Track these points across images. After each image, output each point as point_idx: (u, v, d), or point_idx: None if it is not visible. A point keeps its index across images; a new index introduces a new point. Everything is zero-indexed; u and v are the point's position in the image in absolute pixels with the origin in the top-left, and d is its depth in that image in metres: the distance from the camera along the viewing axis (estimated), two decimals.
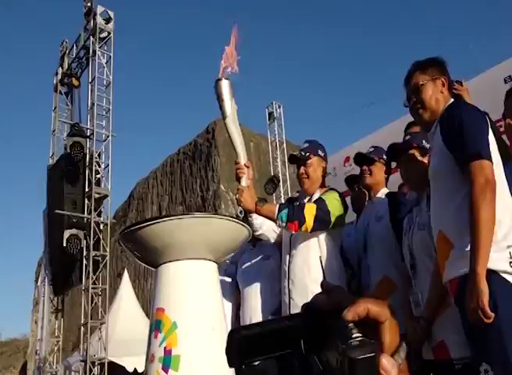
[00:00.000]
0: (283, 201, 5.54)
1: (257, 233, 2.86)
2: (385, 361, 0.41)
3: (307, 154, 2.80)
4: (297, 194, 3.80)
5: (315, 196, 2.77)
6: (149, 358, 2.24)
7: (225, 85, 2.22)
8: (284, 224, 2.52)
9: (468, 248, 1.73)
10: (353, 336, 0.41)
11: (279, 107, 12.54)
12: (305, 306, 0.47)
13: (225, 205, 14.40)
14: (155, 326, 2.26)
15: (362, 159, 2.84)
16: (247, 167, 2.40)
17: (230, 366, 0.46)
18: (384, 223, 2.64)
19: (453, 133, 1.88)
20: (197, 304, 2.27)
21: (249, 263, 3.08)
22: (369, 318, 0.43)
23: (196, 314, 2.24)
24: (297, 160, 2.84)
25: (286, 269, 2.70)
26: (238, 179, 2.41)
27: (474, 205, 1.73)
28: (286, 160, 12.40)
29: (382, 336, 0.43)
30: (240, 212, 2.53)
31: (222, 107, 2.25)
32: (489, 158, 1.79)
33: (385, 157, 2.82)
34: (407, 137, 2.47)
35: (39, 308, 11.72)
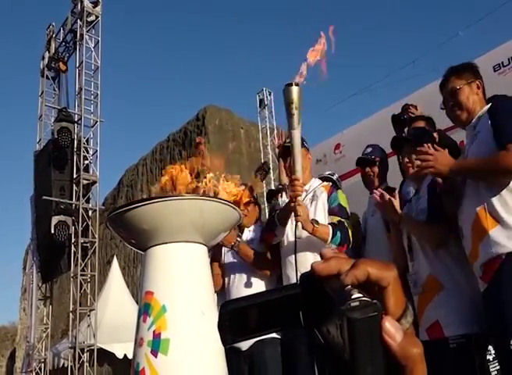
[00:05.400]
0: (272, 189, 5.52)
1: (274, 242, 2.87)
2: (389, 324, 0.37)
3: None
4: (280, 186, 3.77)
5: (319, 191, 2.78)
6: (138, 342, 2.21)
7: (299, 93, 2.02)
8: (335, 247, 2.58)
9: None
10: (353, 297, 0.37)
11: (270, 94, 12.46)
12: (303, 275, 0.43)
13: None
14: (144, 310, 2.22)
15: (364, 162, 3.01)
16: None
17: (224, 344, 0.41)
18: (377, 217, 2.77)
19: (500, 118, 1.99)
20: (187, 287, 2.23)
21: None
22: (370, 282, 0.39)
23: (185, 297, 2.20)
24: (288, 151, 2.74)
25: (293, 259, 2.65)
26: (295, 196, 2.33)
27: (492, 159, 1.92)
28: (277, 147, 12.36)
29: (386, 300, 0.39)
30: (299, 237, 2.45)
31: (292, 116, 2.06)
32: None
33: (381, 155, 3.05)
34: (412, 132, 2.56)
35: (27, 296, 11.64)
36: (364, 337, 0.36)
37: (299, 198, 2.36)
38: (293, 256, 2.66)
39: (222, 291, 3.10)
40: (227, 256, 3.12)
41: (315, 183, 2.85)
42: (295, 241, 2.68)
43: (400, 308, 0.40)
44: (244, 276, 2.97)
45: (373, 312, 0.36)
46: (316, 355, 2.64)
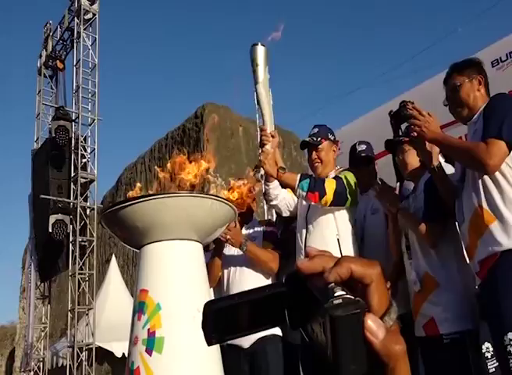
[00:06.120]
0: None
1: (271, 203, 2.92)
2: (371, 322, 0.37)
3: (319, 139, 2.83)
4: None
5: (330, 177, 2.78)
6: (132, 341, 2.19)
7: (261, 51, 2.25)
8: (304, 193, 2.56)
9: None
10: (336, 295, 0.37)
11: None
12: (287, 274, 0.42)
13: (215, 191, 14.29)
14: (139, 308, 2.20)
15: (361, 160, 2.97)
16: (273, 137, 2.50)
17: (208, 343, 0.40)
18: (379, 215, 2.73)
19: (490, 114, 1.99)
20: (182, 285, 2.21)
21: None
22: (354, 279, 0.39)
23: (180, 295, 2.19)
24: (309, 145, 2.86)
25: (302, 245, 2.69)
26: (262, 144, 2.50)
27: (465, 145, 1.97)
28: None
29: (369, 298, 0.39)
30: (261, 176, 2.58)
31: (255, 72, 2.29)
32: (508, 143, 1.88)
33: (372, 151, 3.04)
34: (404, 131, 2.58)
35: (26, 295, 11.62)
36: (347, 335, 0.36)
37: (266, 146, 2.49)
38: (304, 245, 2.68)
39: (218, 287, 3.08)
40: (226, 250, 3.09)
41: (333, 173, 2.86)
42: (306, 229, 2.69)
43: (384, 306, 0.39)
44: (246, 270, 2.95)
45: (356, 310, 0.36)
46: (300, 352, 2.63)
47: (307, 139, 2.86)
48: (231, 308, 0.40)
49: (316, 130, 2.89)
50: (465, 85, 2.15)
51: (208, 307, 0.41)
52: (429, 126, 2.01)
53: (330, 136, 2.89)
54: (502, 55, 5.22)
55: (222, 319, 0.40)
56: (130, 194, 2.44)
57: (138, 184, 2.46)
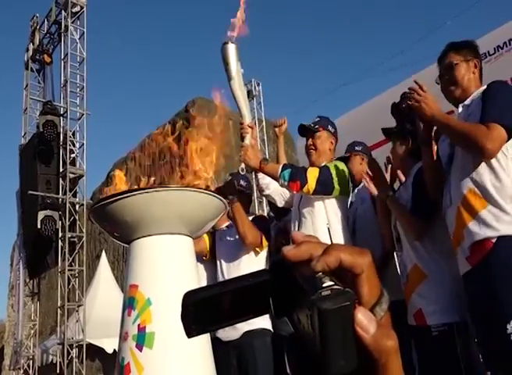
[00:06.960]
0: None
1: (263, 193, 2.96)
2: (361, 315, 0.34)
3: (317, 126, 2.85)
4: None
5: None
6: (122, 336, 2.16)
7: (231, 49, 2.35)
8: (286, 183, 2.55)
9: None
10: (324, 285, 0.34)
11: (258, 85, 12.34)
12: (273, 261, 0.40)
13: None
14: (128, 304, 2.18)
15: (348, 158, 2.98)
16: (251, 128, 2.54)
17: (188, 335, 0.38)
18: (367, 205, 2.76)
19: (490, 98, 1.96)
20: (172, 279, 2.19)
21: (230, 238, 3.04)
22: (343, 269, 0.36)
23: (170, 290, 2.16)
24: (306, 131, 2.88)
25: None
26: (242, 138, 2.56)
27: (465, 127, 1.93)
28: (266, 138, 12.31)
29: (359, 288, 0.37)
30: (242, 169, 2.60)
31: (227, 70, 2.39)
32: (508, 130, 1.85)
33: (358, 148, 3.12)
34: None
35: (15, 292, 11.52)
36: (336, 329, 0.34)
37: (245, 140, 2.56)
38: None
39: (208, 260, 3.11)
40: (220, 244, 3.09)
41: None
42: (298, 220, 2.68)
43: (375, 296, 0.37)
44: (243, 261, 2.94)
45: (345, 302, 0.34)
46: (286, 344, 2.62)
47: (305, 123, 2.87)
48: (212, 298, 0.39)
49: (317, 119, 2.92)
50: (461, 65, 2.13)
51: (188, 297, 0.39)
52: (428, 102, 1.99)
53: (330, 127, 2.90)
54: (489, 49, 5.24)
55: (202, 309, 0.39)
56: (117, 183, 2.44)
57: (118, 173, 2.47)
